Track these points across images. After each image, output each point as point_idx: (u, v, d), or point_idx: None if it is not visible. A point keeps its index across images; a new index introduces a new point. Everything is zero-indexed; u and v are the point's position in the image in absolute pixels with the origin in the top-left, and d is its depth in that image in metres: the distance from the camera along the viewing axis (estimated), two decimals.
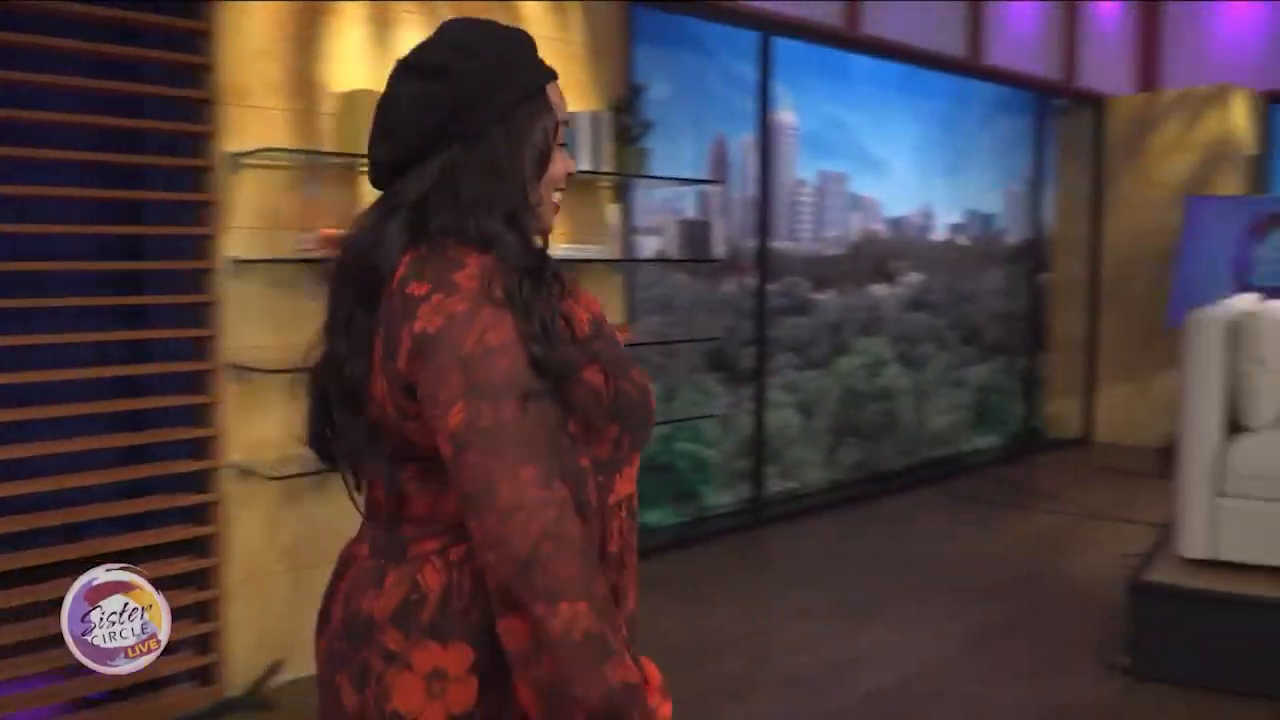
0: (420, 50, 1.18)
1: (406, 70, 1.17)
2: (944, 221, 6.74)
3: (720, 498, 5.32)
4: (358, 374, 1.13)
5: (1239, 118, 7.02)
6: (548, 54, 1.23)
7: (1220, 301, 3.94)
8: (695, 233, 5.24)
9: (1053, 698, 3.28)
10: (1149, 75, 7.71)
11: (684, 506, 5.17)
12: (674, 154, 4.96)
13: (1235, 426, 3.46)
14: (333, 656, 1.18)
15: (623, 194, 4.24)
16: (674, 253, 5.07)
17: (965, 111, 6.71)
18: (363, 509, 1.24)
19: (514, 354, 1.05)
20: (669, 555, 4.68)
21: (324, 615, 1.23)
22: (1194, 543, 3.40)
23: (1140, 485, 5.98)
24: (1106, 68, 7.44)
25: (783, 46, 5.35)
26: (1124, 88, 7.57)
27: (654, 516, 5.00)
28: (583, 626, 0.99)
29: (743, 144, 5.36)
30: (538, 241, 1.17)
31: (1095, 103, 7.36)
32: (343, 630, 1.17)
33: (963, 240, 6.91)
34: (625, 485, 1.21)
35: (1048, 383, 7.68)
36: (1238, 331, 3.42)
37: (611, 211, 4.11)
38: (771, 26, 5.20)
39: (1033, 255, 7.41)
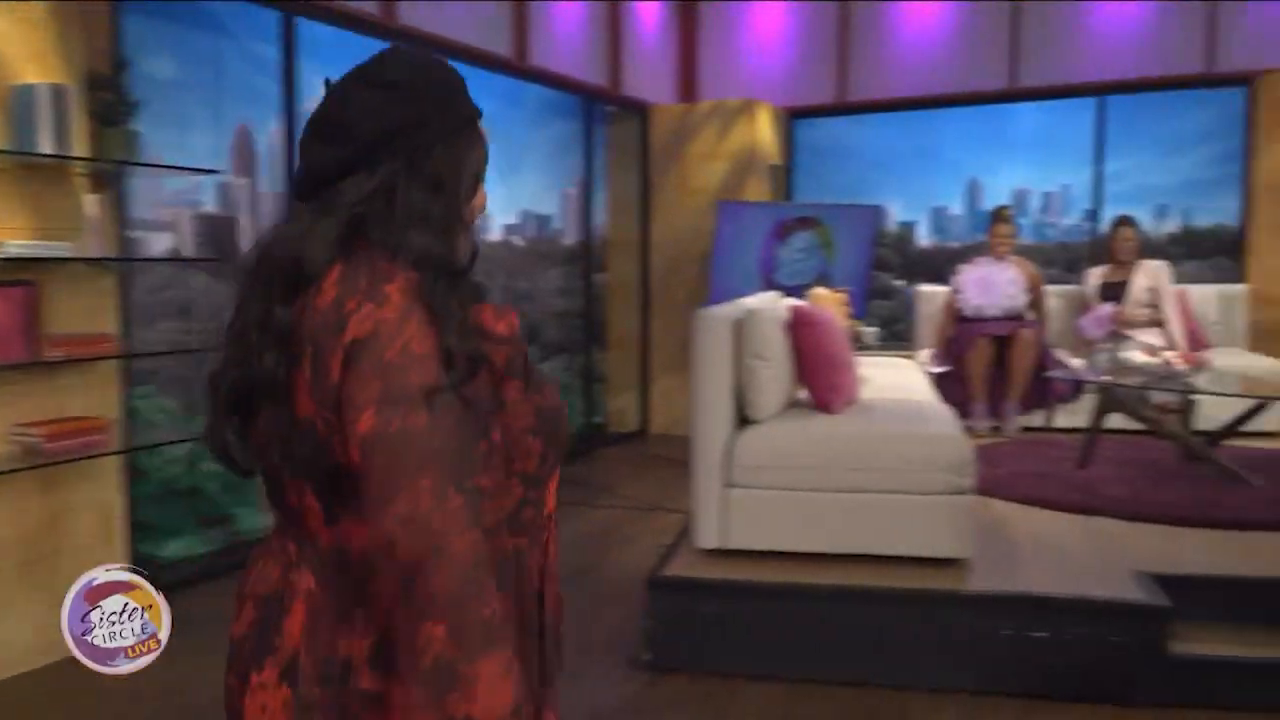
0: (373, 64, 1.21)
1: (358, 80, 1.19)
2: (500, 222, 6.70)
3: (260, 519, 4.86)
4: (275, 366, 1.11)
5: (764, 130, 7.63)
6: None
7: (734, 300, 4.15)
8: (216, 229, 4.73)
9: (583, 700, 3.24)
10: (688, 87, 8.19)
11: (215, 533, 4.66)
12: (185, 141, 4.45)
13: (744, 420, 3.62)
14: (308, 705, 1.12)
15: (108, 183, 3.67)
16: (190, 251, 4.54)
17: (517, 112, 6.72)
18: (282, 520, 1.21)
19: (433, 364, 1.08)
20: (198, 590, 4.15)
21: (265, 652, 1.15)
22: (708, 533, 3.52)
23: (687, 475, 6.27)
24: (649, 77, 7.80)
25: (316, 30, 4.98)
26: (665, 97, 7.98)
27: (177, 547, 4.45)
28: (434, 651, 1.00)
29: (272, 134, 4.92)
30: (464, 257, 1.21)
31: (640, 110, 7.68)
32: (316, 676, 1.12)
33: (519, 241, 6.92)
34: (552, 500, 1.27)
35: (608, 379, 7.93)
36: (741, 329, 3.58)
37: (90, 202, 3.54)
38: (293, 6, 4.81)
39: (588, 256, 7.60)
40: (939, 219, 8.01)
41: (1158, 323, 6.04)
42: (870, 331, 6.78)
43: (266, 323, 1.12)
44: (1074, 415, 5.71)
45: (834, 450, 3.47)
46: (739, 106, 7.50)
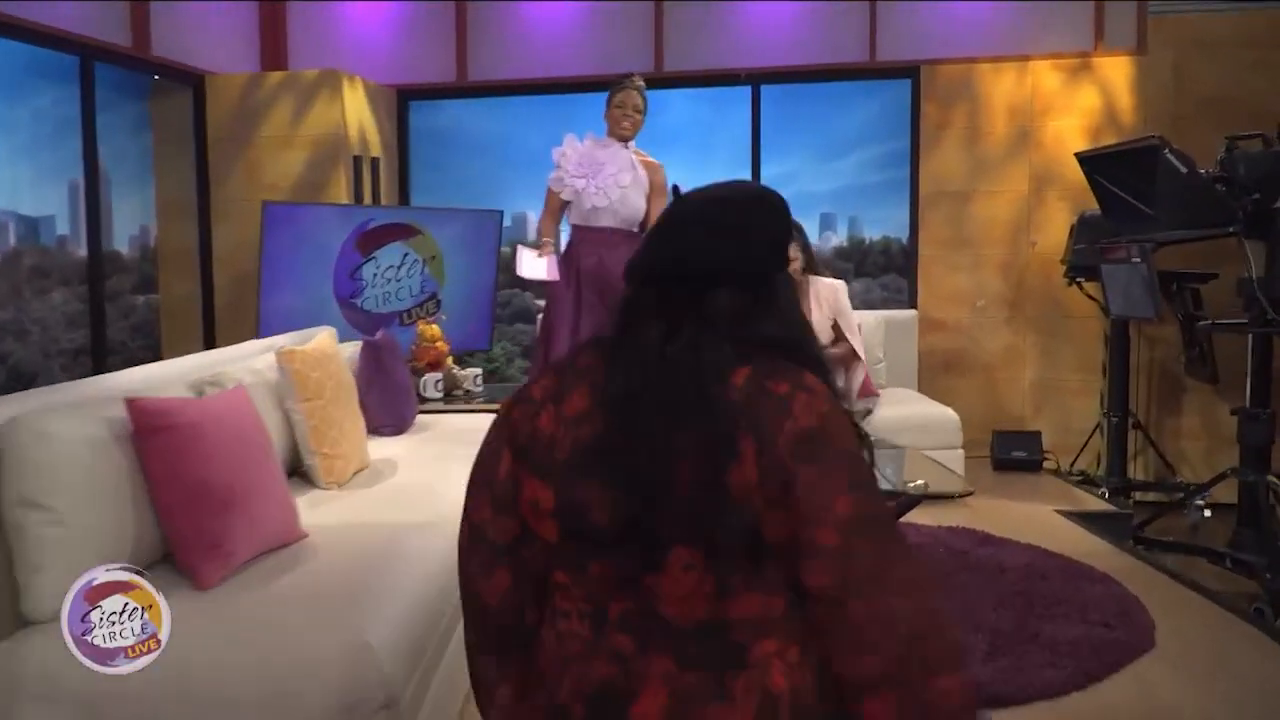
0: (759, 190, 1.34)
1: (748, 200, 1.31)
2: None
3: None
4: (727, 452, 1.15)
5: (357, 111, 5.99)
6: None
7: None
8: None
9: None
10: (275, 55, 6.43)
11: None
12: None
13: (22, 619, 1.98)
14: None
15: None
16: None
17: None
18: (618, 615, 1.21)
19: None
20: None
21: None
22: None
23: None
24: (213, 39, 5.97)
25: None
26: (246, 66, 6.19)
27: None
28: (957, 686, 1.13)
29: None
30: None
31: (190, 80, 5.84)
32: None
33: None
34: None
35: None
36: None
37: None
38: None
39: (125, 270, 5.68)
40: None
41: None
42: (470, 375, 5.29)
43: (703, 404, 1.16)
44: None
45: (160, 679, 1.86)
46: (317, 79, 5.80)
